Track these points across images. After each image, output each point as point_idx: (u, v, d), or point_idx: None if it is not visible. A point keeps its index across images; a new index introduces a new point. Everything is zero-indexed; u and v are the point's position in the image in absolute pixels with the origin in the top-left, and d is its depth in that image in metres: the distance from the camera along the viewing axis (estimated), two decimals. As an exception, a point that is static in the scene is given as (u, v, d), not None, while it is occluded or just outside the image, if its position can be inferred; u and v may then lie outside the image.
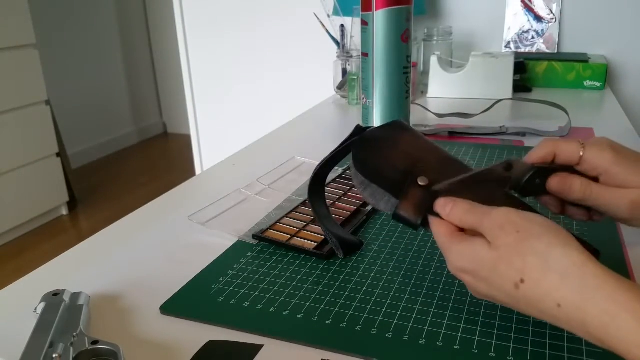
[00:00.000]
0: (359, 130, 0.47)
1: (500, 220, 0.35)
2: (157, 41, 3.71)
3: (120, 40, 3.48)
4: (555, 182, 0.43)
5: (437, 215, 0.39)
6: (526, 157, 0.44)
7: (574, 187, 0.43)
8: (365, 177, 0.43)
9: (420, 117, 0.97)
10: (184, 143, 3.60)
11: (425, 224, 0.40)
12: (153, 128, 3.83)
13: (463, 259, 0.36)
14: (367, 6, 0.67)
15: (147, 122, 3.78)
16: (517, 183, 0.44)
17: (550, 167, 0.44)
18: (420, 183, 0.41)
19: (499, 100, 0.96)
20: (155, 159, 3.40)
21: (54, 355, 0.34)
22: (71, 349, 0.35)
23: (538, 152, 0.44)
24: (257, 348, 0.38)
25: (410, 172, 0.42)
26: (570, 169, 0.44)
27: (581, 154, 0.43)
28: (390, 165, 0.43)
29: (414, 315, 0.40)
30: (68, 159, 2.66)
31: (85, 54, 3.21)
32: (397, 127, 0.47)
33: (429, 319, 0.40)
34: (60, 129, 2.58)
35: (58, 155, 2.46)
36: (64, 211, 2.59)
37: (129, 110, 3.62)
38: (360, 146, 0.45)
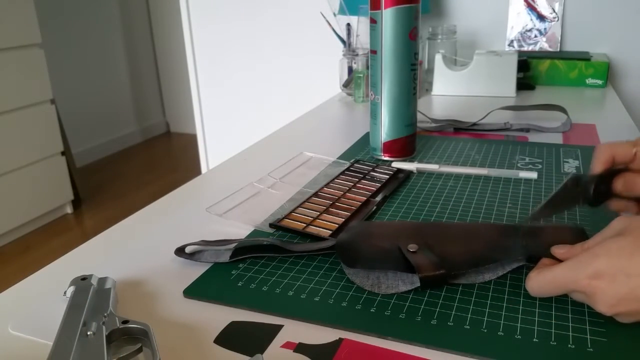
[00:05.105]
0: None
1: (621, 218, 0.38)
2: (160, 42, 3.74)
3: (123, 41, 3.50)
4: (620, 184, 0.46)
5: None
6: (592, 169, 0.48)
7: (639, 184, 0.46)
8: (372, 267, 0.45)
9: (425, 111, 0.99)
10: (187, 142, 3.63)
11: (448, 277, 0.43)
12: (156, 127, 3.85)
13: (595, 259, 0.37)
14: (376, 5, 0.69)
15: (150, 122, 3.80)
16: (587, 196, 0.47)
17: (610, 172, 0.47)
18: (411, 250, 0.45)
19: (493, 110, 0.98)
20: (158, 158, 3.43)
21: (88, 333, 0.36)
22: (103, 327, 0.37)
23: (599, 159, 0.47)
24: (278, 328, 0.40)
25: (398, 246, 0.46)
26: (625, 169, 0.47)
27: (634, 151, 0.46)
28: (380, 249, 0.46)
29: (425, 298, 0.42)
30: (72, 157, 2.68)
31: (89, 54, 3.24)
32: (360, 225, 0.51)
33: (440, 301, 0.42)
34: (64, 128, 2.60)
35: (63, 154, 2.48)
36: (69, 209, 2.62)
37: (132, 109, 3.64)
38: (342, 250, 0.47)
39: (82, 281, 0.43)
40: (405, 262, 0.44)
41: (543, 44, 1.29)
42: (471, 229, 0.49)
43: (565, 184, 0.46)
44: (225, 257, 0.48)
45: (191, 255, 0.49)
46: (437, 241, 0.46)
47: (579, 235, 0.44)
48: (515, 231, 0.47)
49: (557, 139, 0.83)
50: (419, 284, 0.43)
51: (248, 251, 0.49)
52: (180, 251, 0.49)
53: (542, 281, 0.40)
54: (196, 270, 0.48)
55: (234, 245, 0.49)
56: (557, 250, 0.43)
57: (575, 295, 0.40)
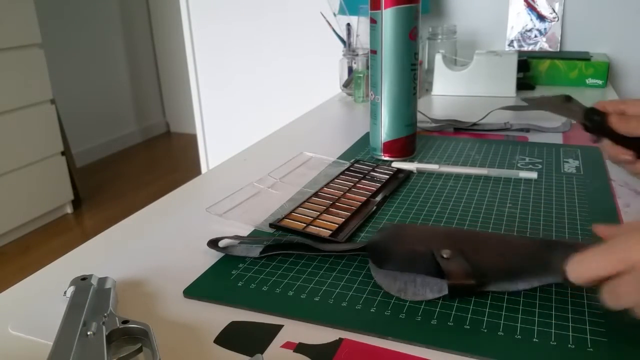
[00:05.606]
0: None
1: None
2: (160, 42, 3.74)
3: (123, 41, 3.50)
4: (615, 119, 0.53)
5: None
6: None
7: (631, 123, 0.52)
8: (402, 269, 0.44)
9: (425, 111, 0.99)
10: (187, 142, 3.63)
11: (480, 284, 0.42)
12: (156, 127, 3.86)
13: (628, 246, 0.34)
14: (376, 5, 0.69)
15: (150, 122, 3.80)
16: (579, 112, 0.56)
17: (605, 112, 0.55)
18: (444, 256, 0.44)
19: (493, 110, 0.98)
20: (158, 158, 3.43)
21: (88, 333, 0.36)
22: (103, 327, 0.37)
23: (600, 102, 0.55)
24: (278, 328, 0.40)
25: (431, 251, 0.45)
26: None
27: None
28: (413, 252, 0.45)
29: (425, 299, 0.42)
30: (72, 157, 2.68)
31: (89, 54, 3.24)
32: (393, 227, 0.50)
33: (440, 301, 0.42)
34: (64, 128, 2.60)
35: (63, 154, 2.48)
36: (69, 209, 2.62)
37: (133, 109, 3.64)
38: (374, 250, 0.46)
39: (82, 281, 0.43)
40: (436, 267, 0.43)
41: (543, 44, 1.29)
42: (507, 239, 0.47)
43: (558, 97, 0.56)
44: (255, 252, 0.48)
45: (223, 249, 0.50)
46: (471, 248, 0.45)
47: None
48: (554, 246, 0.45)
49: (557, 139, 0.83)
50: (447, 292, 0.42)
51: (278, 248, 0.49)
52: (213, 244, 0.50)
53: (586, 259, 0.36)
54: (196, 270, 0.48)
55: (265, 241, 0.49)
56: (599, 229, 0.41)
57: (620, 282, 0.34)
